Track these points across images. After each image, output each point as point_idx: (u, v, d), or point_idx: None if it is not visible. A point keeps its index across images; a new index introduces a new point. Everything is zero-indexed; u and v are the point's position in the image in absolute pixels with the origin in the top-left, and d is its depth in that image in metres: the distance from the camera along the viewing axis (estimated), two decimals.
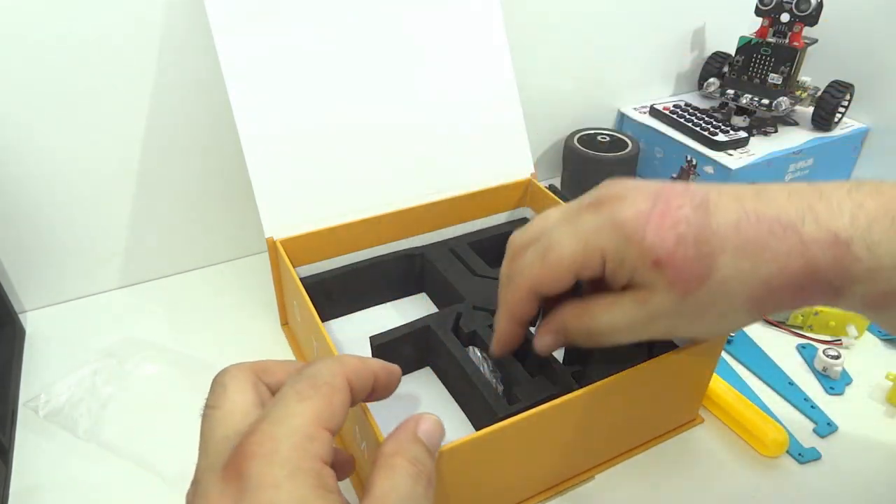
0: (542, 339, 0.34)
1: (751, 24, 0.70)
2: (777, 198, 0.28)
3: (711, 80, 0.72)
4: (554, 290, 0.32)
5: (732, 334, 0.51)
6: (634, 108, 0.75)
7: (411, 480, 0.24)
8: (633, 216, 0.29)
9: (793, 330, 0.52)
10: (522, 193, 0.56)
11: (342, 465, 0.25)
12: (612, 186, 0.31)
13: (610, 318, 0.31)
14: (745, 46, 0.69)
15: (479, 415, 0.40)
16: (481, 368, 0.40)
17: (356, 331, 0.50)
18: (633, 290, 0.30)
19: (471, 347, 0.42)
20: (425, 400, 0.44)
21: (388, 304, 0.53)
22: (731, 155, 0.65)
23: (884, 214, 0.26)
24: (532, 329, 0.36)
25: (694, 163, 0.67)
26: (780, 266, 0.27)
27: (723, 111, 0.74)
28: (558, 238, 0.31)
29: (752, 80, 0.70)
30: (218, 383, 0.26)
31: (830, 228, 0.27)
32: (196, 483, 0.23)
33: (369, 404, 0.31)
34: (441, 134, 0.52)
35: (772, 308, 0.28)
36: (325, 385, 0.24)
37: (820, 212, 0.27)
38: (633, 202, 0.29)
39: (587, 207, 0.31)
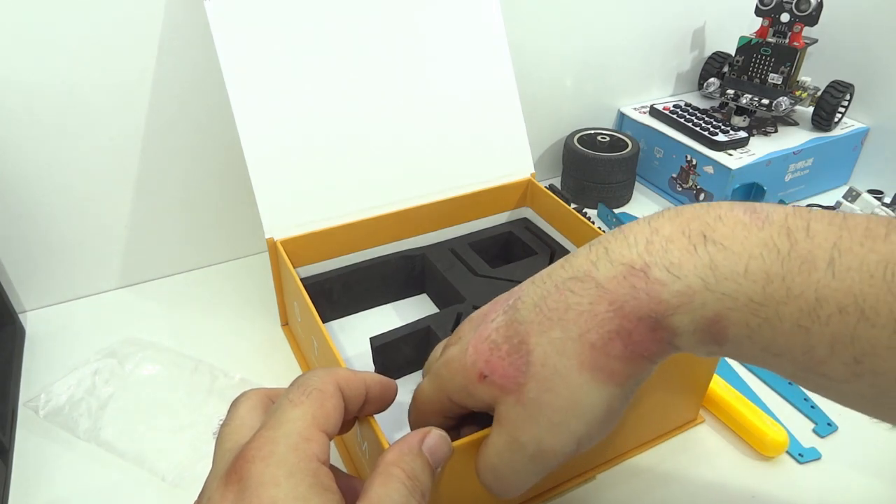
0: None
1: (751, 24, 0.70)
2: (578, 256, 0.27)
3: (711, 80, 0.72)
4: (433, 426, 0.31)
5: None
6: (634, 108, 0.75)
7: (406, 491, 0.24)
8: (458, 351, 0.29)
9: None
10: (522, 193, 0.56)
11: (351, 491, 0.25)
12: (461, 326, 0.32)
13: (485, 457, 0.29)
14: (745, 46, 0.69)
15: (480, 415, 0.40)
16: None
17: (356, 331, 0.50)
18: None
19: None
20: None
21: (389, 304, 0.53)
22: (731, 155, 0.65)
23: (680, 234, 0.25)
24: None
25: (694, 163, 0.67)
26: (587, 319, 0.25)
27: (723, 111, 0.74)
28: (423, 385, 0.32)
29: (752, 80, 0.70)
30: (232, 405, 0.28)
31: (623, 262, 0.25)
32: (201, 494, 0.24)
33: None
34: (441, 134, 0.52)
35: (620, 368, 0.25)
36: (316, 390, 0.25)
37: (613, 250, 0.26)
38: (461, 336, 0.30)
39: (442, 350, 0.32)
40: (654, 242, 0.25)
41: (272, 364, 0.49)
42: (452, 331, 0.43)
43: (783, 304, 0.23)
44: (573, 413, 0.26)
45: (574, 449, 0.27)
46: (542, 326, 0.26)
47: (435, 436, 0.27)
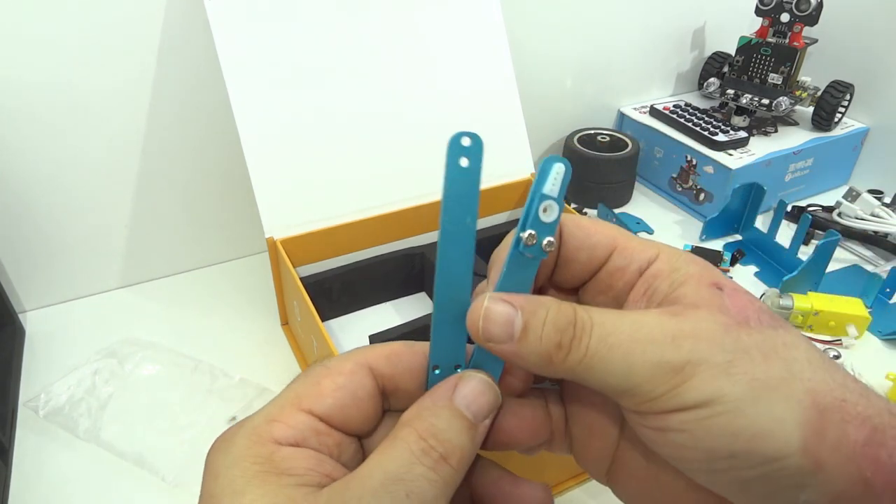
0: (496, 307, 0.21)
1: (751, 24, 0.70)
2: None
3: (711, 80, 0.72)
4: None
5: None
6: (634, 108, 0.75)
7: (409, 457, 0.19)
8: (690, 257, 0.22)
9: None
10: (522, 193, 0.56)
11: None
12: None
13: (619, 321, 0.20)
14: (745, 46, 0.69)
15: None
16: None
17: (356, 330, 0.50)
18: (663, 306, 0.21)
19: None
20: None
21: (388, 303, 0.53)
22: (731, 155, 0.65)
23: None
24: None
25: (694, 163, 0.67)
26: (840, 377, 0.20)
27: (723, 111, 0.74)
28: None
29: (752, 80, 0.70)
30: None
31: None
32: None
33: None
34: (441, 134, 0.52)
35: (817, 438, 0.19)
36: (319, 367, 0.21)
37: None
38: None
39: None
40: None
41: (272, 364, 0.49)
42: None
43: None
44: (743, 405, 0.19)
45: (673, 387, 0.19)
46: (804, 342, 0.21)
47: (471, 380, 0.21)
